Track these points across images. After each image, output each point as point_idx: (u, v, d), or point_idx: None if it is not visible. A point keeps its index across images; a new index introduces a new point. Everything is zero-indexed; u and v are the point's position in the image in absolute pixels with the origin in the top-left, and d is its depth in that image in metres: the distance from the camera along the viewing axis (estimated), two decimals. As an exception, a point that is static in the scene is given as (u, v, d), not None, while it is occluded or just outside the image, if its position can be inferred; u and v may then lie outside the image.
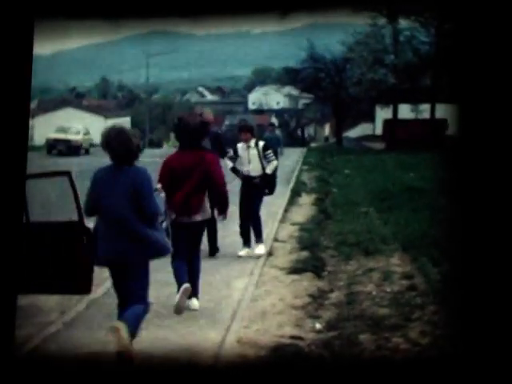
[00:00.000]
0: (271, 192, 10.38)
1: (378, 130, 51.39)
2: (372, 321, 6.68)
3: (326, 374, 5.62)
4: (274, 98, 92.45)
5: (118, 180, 5.55)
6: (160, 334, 6.45)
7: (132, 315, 5.52)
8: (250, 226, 10.19)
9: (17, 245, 4.54)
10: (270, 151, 10.10)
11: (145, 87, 72.61)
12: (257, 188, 10.11)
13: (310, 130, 74.40)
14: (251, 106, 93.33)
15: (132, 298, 5.60)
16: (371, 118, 54.56)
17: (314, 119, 74.57)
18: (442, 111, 36.81)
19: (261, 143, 10.13)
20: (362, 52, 41.30)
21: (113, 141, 5.54)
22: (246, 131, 10.05)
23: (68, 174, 6.00)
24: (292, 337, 6.36)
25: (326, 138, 67.18)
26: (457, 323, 5.04)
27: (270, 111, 79.68)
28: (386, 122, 45.04)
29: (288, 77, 54.76)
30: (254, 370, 5.71)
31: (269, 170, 10.09)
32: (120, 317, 5.61)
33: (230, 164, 10.16)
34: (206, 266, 9.31)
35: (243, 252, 10.05)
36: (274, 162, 10.15)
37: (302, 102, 79.23)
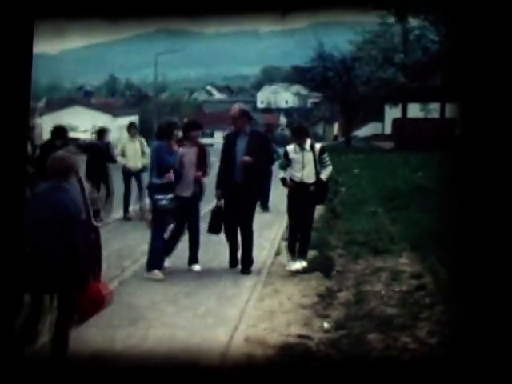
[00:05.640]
0: (322, 201, 9.55)
1: (387, 129, 51.19)
2: (380, 320, 6.65)
3: (334, 373, 5.60)
4: (282, 96, 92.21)
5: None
6: (167, 332, 6.43)
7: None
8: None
9: (20, 242, 4.54)
10: (326, 155, 9.11)
11: (153, 86, 72.51)
12: (310, 197, 9.08)
13: (318, 129, 74.28)
14: (260, 105, 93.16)
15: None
16: (380, 117, 54.29)
17: (323, 118, 74.41)
18: (451, 110, 36.62)
19: (317, 146, 9.13)
20: (370, 51, 41.13)
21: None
22: (302, 133, 9.12)
23: (75, 171, 5.98)
24: (300, 336, 6.34)
25: (335, 137, 66.99)
26: (464, 323, 5.01)
27: (279, 110, 79.59)
28: (395, 121, 44.88)
29: (296, 76, 54.44)
30: (261, 369, 5.68)
31: (324, 176, 9.05)
32: None
33: (281, 173, 9.21)
34: (214, 263, 9.31)
35: (296, 265, 9.02)
36: (330, 168, 9.15)
37: (310, 101, 79.05)
